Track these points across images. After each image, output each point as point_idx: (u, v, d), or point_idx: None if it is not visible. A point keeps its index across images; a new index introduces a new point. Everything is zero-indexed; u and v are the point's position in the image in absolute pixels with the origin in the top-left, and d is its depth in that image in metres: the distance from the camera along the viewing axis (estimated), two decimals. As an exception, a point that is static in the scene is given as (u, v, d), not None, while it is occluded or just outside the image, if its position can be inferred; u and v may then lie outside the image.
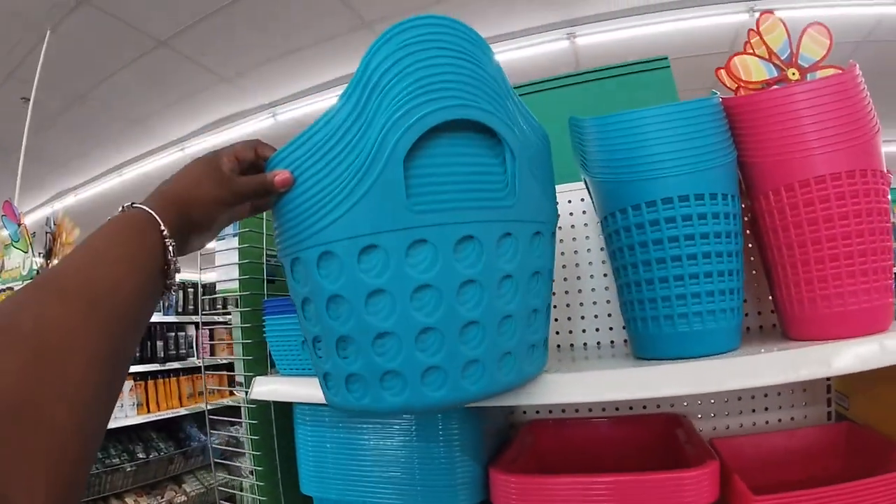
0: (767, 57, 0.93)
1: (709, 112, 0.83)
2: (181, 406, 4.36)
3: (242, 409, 1.30)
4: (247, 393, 1.21)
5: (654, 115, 0.82)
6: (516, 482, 0.89)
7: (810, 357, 0.77)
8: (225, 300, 1.52)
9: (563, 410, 1.29)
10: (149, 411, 4.12)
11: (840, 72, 0.86)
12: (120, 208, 0.58)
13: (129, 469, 3.82)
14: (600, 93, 1.55)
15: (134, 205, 0.58)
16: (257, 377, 1.19)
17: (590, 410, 1.28)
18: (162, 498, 4.04)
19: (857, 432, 1.08)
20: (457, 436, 0.99)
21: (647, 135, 0.82)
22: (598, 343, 1.27)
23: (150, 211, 0.57)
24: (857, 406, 1.13)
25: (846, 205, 0.78)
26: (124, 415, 3.89)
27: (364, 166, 0.63)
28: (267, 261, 1.33)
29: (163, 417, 4.20)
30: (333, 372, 0.73)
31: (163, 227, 0.57)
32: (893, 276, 0.84)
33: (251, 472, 1.30)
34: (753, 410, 1.22)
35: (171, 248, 0.57)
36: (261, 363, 1.30)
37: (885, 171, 0.82)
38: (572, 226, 1.30)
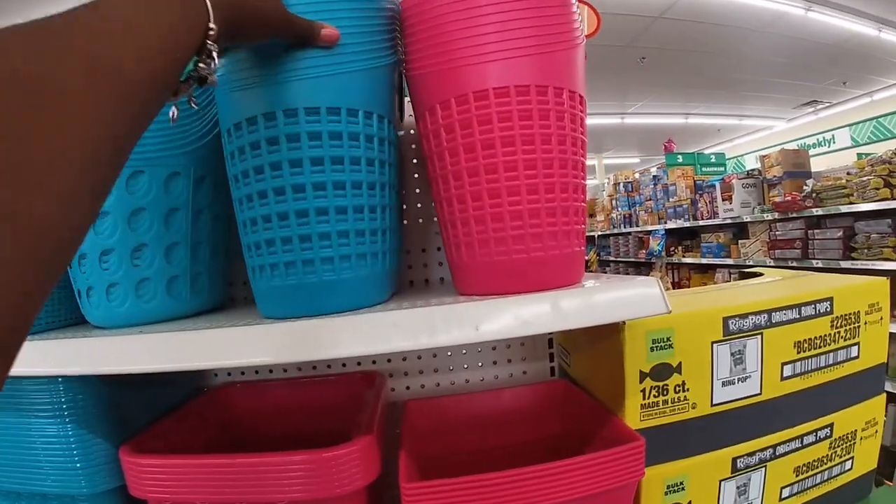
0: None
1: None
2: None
3: None
4: None
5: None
6: (133, 463, 0.72)
7: (453, 317, 0.60)
8: None
9: (271, 371, 1.11)
10: None
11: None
12: None
13: None
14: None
15: None
16: None
17: (286, 371, 1.12)
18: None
19: (573, 393, 0.97)
20: (79, 412, 0.79)
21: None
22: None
23: None
24: (577, 363, 1.02)
25: (513, 128, 0.61)
26: None
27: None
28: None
29: None
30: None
31: (211, 25, 0.44)
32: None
33: None
34: (466, 367, 1.09)
35: (213, 50, 0.45)
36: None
37: (577, 92, 0.66)
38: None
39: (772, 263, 3.84)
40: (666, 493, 0.84)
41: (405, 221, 1.08)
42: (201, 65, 0.45)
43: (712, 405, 0.85)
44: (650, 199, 6.03)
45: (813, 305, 0.94)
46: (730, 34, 5.97)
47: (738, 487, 0.89)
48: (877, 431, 1.04)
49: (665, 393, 0.82)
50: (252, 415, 1.06)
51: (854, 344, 0.99)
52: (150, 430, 0.82)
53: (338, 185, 0.62)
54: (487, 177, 0.62)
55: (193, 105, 0.50)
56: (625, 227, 6.48)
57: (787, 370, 0.92)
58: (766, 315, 0.89)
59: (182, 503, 0.70)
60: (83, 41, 0.32)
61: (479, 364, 1.09)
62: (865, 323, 1.00)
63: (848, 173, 3.43)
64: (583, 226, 0.69)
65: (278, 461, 0.66)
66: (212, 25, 0.44)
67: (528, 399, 1.03)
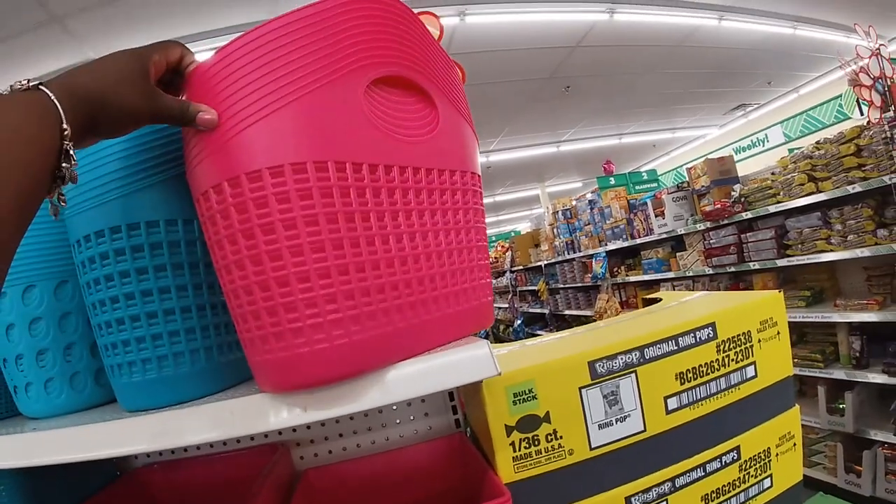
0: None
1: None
2: None
3: None
4: None
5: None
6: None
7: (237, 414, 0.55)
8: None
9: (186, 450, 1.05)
10: None
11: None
12: (18, 83, 0.44)
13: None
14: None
15: (39, 86, 0.44)
16: None
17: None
18: None
19: (466, 447, 0.92)
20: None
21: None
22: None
23: (54, 100, 0.44)
24: (470, 416, 0.95)
25: (270, 214, 0.52)
26: None
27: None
28: None
29: None
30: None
31: (65, 126, 0.44)
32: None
33: None
34: (369, 429, 1.03)
35: (69, 150, 0.44)
36: None
37: (346, 161, 0.55)
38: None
39: (710, 272, 3.72)
40: (558, 541, 0.78)
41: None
42: (64, 164, 0.45)
43: (591, 448, 0.79)
44: (588, 224, 5.87)
45: (692, 334, 0.87)
46: (648, 54, 5.87)
47: (637, 526, 0.82)
48: (795, 444, 0.97)
49: (536, 443, 0.77)
50: (172, 493, 1.01)
51: (749, 364, 0.92)
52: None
53: (135, 294, 0.63)
54: (254, 269, 0.52)
55: (62, 202, 0.47)
56: (568, 253, 6.26)
57: (672, 403, 0.84)
58: (637, 352, 0.82)
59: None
60: None
61: (383, 424, 1.02)
62: (759, 341, 0.93)
63: (773, 173, 3.31)
64: (383, 303, 0.58)
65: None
66: (65, 126, 0.43)
67: (429, 455, 0.97)
